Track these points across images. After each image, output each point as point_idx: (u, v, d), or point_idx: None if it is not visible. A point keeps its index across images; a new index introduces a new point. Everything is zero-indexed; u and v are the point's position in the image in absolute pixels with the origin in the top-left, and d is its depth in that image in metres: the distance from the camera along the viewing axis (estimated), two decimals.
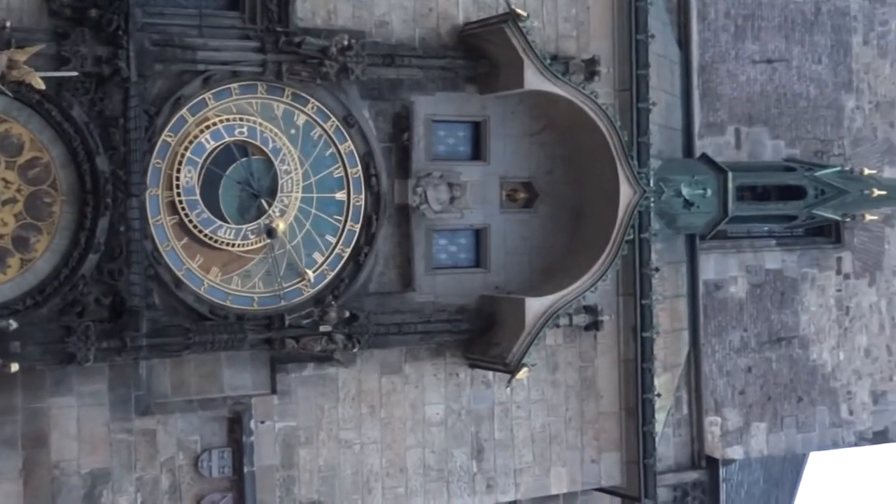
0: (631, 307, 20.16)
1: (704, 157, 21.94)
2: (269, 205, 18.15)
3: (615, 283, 20.04)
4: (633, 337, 20.17)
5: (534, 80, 18.66)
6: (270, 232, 18.04)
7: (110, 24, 16.47)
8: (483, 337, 19.23)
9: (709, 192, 20.99)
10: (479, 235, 19.88)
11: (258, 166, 18.13)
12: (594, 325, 19.83)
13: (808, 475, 28.62)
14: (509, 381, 18.70)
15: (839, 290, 24.12)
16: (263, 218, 18.11)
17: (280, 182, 18.19)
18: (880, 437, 24.55)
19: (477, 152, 19.82)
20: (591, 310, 19.76)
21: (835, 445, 24.19)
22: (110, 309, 16.85)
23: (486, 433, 19.65)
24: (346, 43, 17.89)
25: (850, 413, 24.18)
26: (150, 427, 17.52)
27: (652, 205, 19.90)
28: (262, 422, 18.17)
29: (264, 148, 18.10)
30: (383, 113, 18.95)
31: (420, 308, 18.99)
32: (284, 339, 17.86)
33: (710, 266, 22.97)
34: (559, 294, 18.87)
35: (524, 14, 18.31)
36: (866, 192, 22.02)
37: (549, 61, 18.70)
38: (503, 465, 19.73)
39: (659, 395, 20.42)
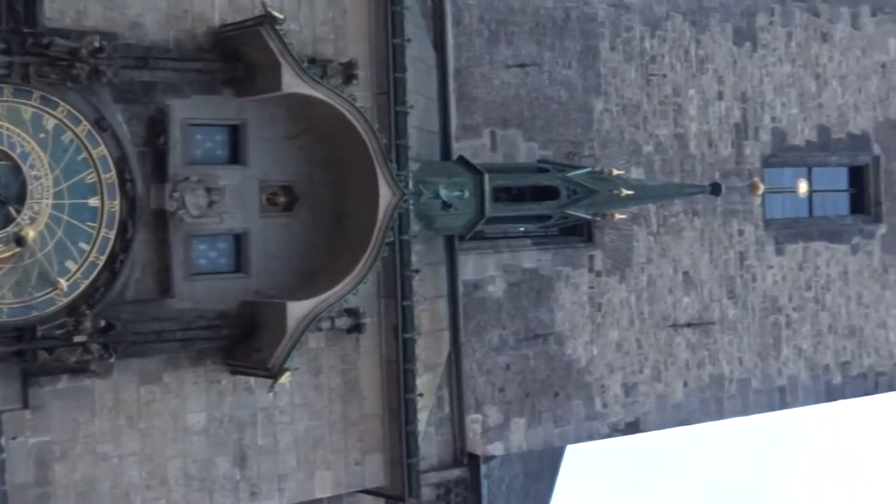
0: (392, 309, 20.31)
1: (461, 160, 22.28)
2: (18, 212, 17.46)
3: (376, 286, 20.15)
4: (394, 338, 20.34)
5: (291, 83, 18.57)
6: (20, 240, 17.33)
7: None
8: (245, 343, 19.03)
9: (466, 193, 21.30)
10: (239, 240, 19.63)
11: (5, 172, 17.42)
12: (356, 328, 19.86)
13: (566, 467, 29.45)
14: (272, 387, 18.56)
15: (592, 288, 24.92)
16: (12, 226, 17.40)
17: (29, 188, 17.51)
18: (632, 427, 25.50)
19: (235, 156, 19.58)
20: (352, 312, 19.79)
21: (590, 437, 24.98)
22: None
23: (249, 440, 19.44)
24: (96, 44, 17.37)
25: (604, 406, 25.03)
26: None
27: (411, 207, 20.08)
28: (14, 438, 17.48)
29: (11, 153, 17.39)
30: (138, 116, 18.49)
31: (179, 315, 18.63)
32: (37, 351, 17.21)
33: (469, 266, 23.38)
34: (321, 297, 18.83)
35: (281, 17, 18.19)
36: (615, 191, 22.70)
37: (306, 64, 18.64)
38: (267, 472, 19.57)
39: (421, 395, 20.65)
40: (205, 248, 19.41)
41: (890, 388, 29.35)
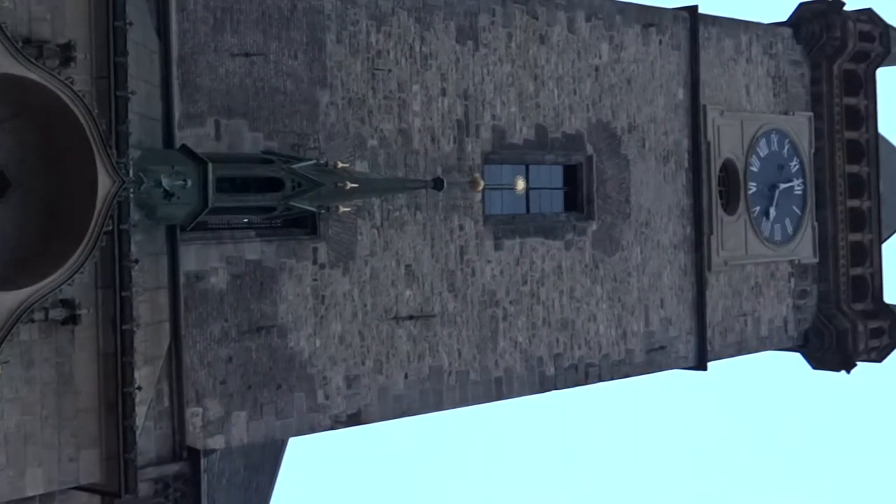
0: (110, 300, 19.84)
1: (184, 148, 21.91)
2: None
3: (93, 276, 19.61)
4: (112, 330, 19.87)
5: (3, 62, 17.85)
6: None
7: None
8: None
9: (189, 183, 20.98)
10: None
11: None
12: (71, 319, 19.31)
13: (289, 459, 29.47)
14: None
15: (315, 280, 24.95)
16: None
17: None
18: (354, 419, 25.69)
19: None
20: (68, 303, 19.22)
21: (312, 430, 25.01)
22: None
23: None
24: None
25: (327, 398, 25.10)
26: None
27: (131, 195, 19.66)
28: None
29: None
30: None
31: None
32: None
33: (192, 257, 23.00)
34: (33, 288, 18.22)
35: None
36: (340, 184, 22.85)
37: (20, 44, 17.95)
38: None
39: (140, 389, 20.23)
40: None
41: (599, 379, 30.67)
